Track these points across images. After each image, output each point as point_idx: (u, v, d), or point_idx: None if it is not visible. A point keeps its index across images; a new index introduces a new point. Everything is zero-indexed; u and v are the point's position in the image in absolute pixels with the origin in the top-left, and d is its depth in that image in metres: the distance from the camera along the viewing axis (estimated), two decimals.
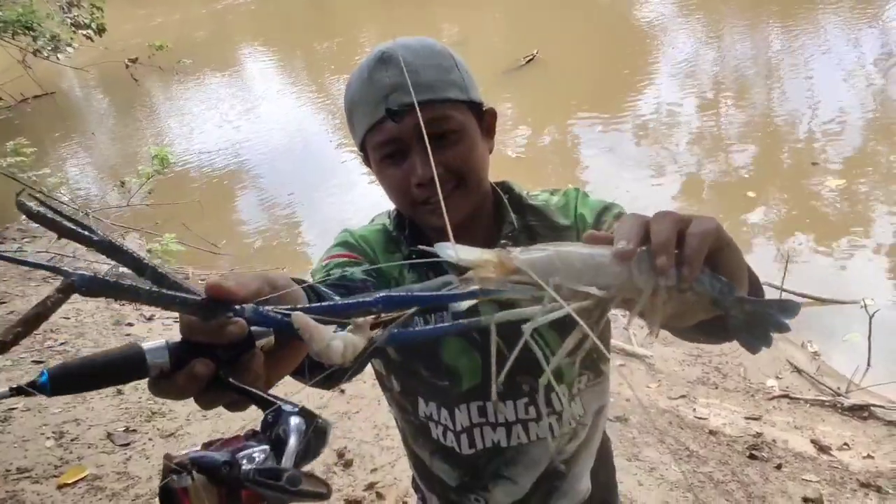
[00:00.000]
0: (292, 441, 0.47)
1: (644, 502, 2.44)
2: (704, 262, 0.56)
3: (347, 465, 2.61)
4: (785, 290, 4.22)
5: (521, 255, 0.58)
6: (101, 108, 12.07)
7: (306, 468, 0.47)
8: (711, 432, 3.08)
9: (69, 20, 7.65)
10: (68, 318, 3.99)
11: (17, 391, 0.48)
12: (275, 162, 7.97)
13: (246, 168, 8.02)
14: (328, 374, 0.56)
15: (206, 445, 0.48)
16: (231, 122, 9.54)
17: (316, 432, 0.49)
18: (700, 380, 3.71)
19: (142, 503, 2.36)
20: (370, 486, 2.48)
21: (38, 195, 0.51)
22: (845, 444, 3.03)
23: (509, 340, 0.94)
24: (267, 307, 0.51)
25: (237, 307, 0.49)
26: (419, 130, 0.90)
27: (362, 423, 2.89)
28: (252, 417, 0.50)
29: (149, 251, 5.40)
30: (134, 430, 2.80)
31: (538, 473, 1.05)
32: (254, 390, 0.51)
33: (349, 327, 0.51)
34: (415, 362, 1.02)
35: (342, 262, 0.95)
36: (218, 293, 0.49)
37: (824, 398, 3.46)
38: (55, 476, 2.47)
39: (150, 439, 2.76)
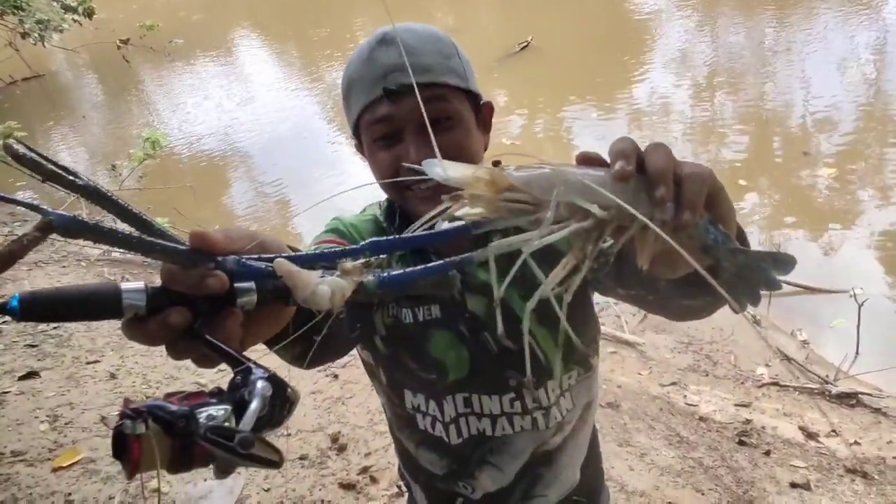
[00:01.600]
0: (254, 404, 0.46)
1: (635, 487, 2.47)
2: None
3: (341, 449, 2.63)
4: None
5: (516, 172, 0.55)
6: (92, 90, 11.94)
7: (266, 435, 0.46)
8: (702, 419, 3.11)
9: (57, 3, 7.53)
10: None
11: None
12: (268, 147, 7.93)
13: (239, 152, 7.98)
14: (305, 350, 0.54)
15: (168, 396, 0.46)
16: (224, 107, 9.48)
17: (282, 401, 0.48)
18: (691, 367, 3.75)
19: (136, 487, 2.36)
20: (364, 470, 2.50)
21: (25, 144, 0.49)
22: (833, 430, 3.07)
23: (496, 334, 0.94)
24: (251, 257, 0.49)
25: (219, 259, 0.48)
26: (416, 112, 0.89)
27: (356, 408, 2.91)
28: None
29: None
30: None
31: (522, 462, 1.06)
32: (227, 348, 0.49)
33: (336, 273, 0.49)
34: (402, 354, 1.02)
35: (331, 248, 0.95)
36: (201, 243, 0.48)
37: (813, 386, 3.51)
38: (49, 459, 2.48)
39: None
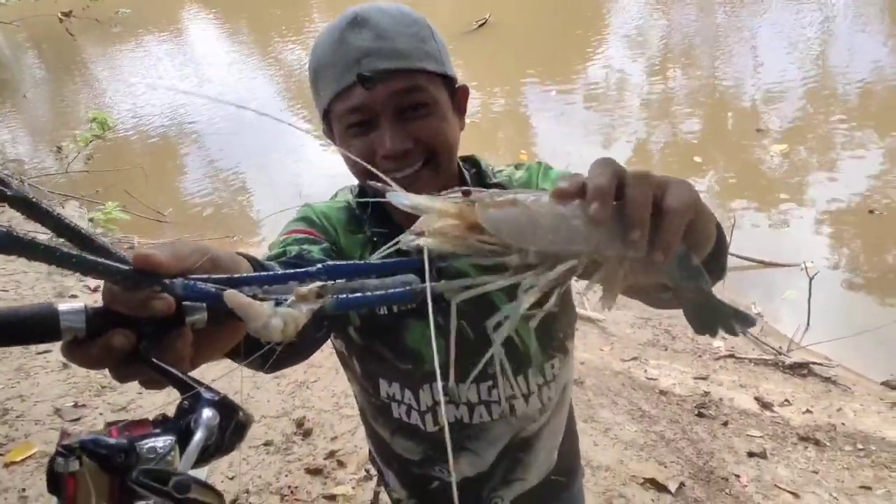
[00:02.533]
0: (197, 436, 0.44)
1: (600, 462, 2.51)
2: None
3: (307, 434, 2.60)
4: (732, 255, 4.36)
5: (486, 212, 0.53)
6: (33, 68, 11.41)
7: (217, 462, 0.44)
8: (662, 392, 3.18)
9: None
10: (7, 291, 3.82)
11: None
12: (221, 126, 7.73)
13: (191, 132, 7.76)
14: (268, 355, 0.51)
15: (110, 425, 0.44)
16: (174, 84, 9.18)
17: (233, 426, 0.47)
18: (650, 342, 3.83)
19: None
20: (331, 455, 2.48)
21: None
22: (786, 400, 3.18)
23: (473, 323, 0.93)
24: (200, 278, 0.47)
25: (166, 281, 0.45)
26: (392, 100, 0.86)
27: (321, 391, 2.88)
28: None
29: (90, 220, 5.19)
30: (83, 405, 2.72)
31: (500, 448, 1.06)
32: (175, 371, 0.47)
33: (290, 300, 0.47)
34: (378, 345, 0.99)
35: (301, 239, 0.90)
36: (145, 265, 0.45)
37: (767, 357, 3.62)
38: (1, 455, 2.39)
39: (100, 414, 2.68)
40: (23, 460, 2.36)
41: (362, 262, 0.55)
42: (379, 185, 0.55)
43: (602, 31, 8.95)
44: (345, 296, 0.50)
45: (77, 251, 0.43)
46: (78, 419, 2.64)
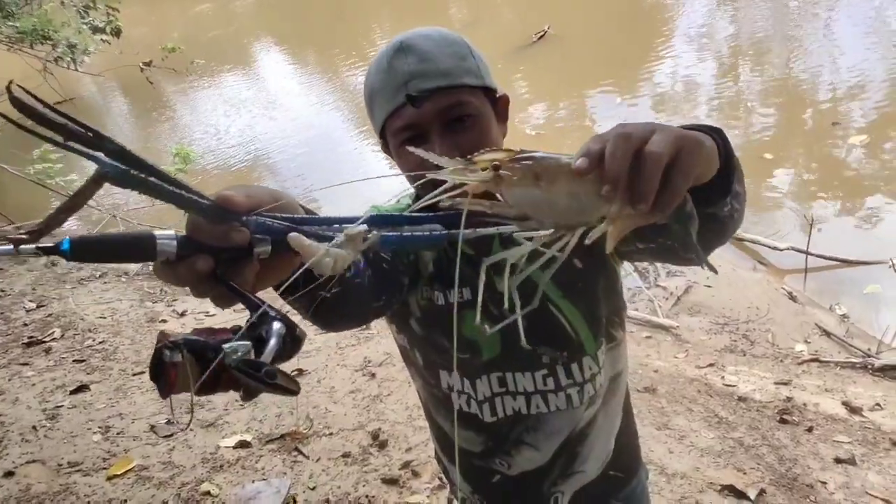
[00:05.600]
0: (273, 341, 0.53)
1: (675, 469, 2.47)
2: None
3: (382, 445, 2.68)
4: (811, 254, 4.19)
5: (510, 190, 0.60)
6: (120, 112, 12.24)
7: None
8: (741, 399, 3.09)
9: (86, 25, 7.66)
10: (104, 318, 4.11)
11: (43, 251, 0.51)
12: (293, 155, 8.05)
13: (264, 162, 8.12)
14: (315, 300, 0.63)
15: (198, 331, 0.53)
16: (247, 119, 9.63)
17: (292, 339, 0.55)
18: (728, 348, 3.72)
19: (188, 491, 2.45)
20: (406, 465, 2.54)
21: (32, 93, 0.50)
22: (877, 404, 3.02)
23: (525, 306, 0.97)
24: (269, 216, 0.56)
25: (244, 218, 0.54)
26: (438, 115, 0.95)
27: (394, 405, 2.96)
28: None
29: None
30: (176, 422, 2.90)
31: (559, 441, 1.09)
32: (247, 293, 0.55)
33: (338, 239, 0.55)
34: (437, 336, 1.07)
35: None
36: (226, 203, 0.53)
37: (854, 360, 3.45)
38: (104, 468, 2.58)
39: (191, 430, 2.85)
40: (123, 473, 2.54)
41: (404, 214, 0.65)
42: (420, 151, 0.64)
43: (667, 34, 8.80)
44: (388, 233, 0.60)
45: (177, 189, 0.51)
46: (171, 435, 2.82)
